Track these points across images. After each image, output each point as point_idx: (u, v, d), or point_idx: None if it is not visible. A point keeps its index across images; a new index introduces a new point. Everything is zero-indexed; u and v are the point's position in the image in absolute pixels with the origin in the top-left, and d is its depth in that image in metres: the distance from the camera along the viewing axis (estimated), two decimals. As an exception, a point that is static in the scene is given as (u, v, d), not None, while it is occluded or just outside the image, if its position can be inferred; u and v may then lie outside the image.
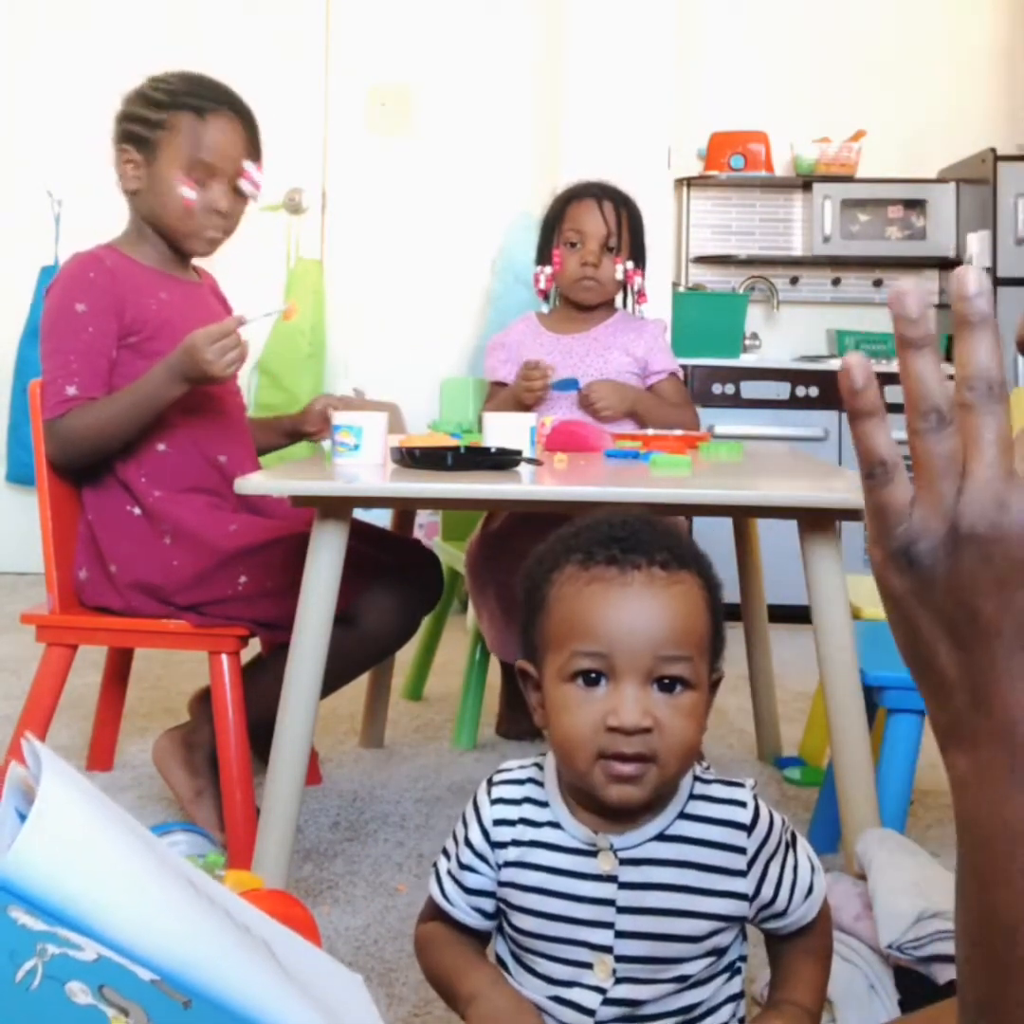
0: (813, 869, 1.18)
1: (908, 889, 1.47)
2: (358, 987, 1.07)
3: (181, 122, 2.11)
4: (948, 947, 1.39)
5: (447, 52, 4.61)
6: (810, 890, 1.17)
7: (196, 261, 2.29)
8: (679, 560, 1.11)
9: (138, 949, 0.80)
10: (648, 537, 1.11)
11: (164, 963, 0.81)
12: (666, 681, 1.08)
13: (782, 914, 1.17)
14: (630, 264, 2.71)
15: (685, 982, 1.14)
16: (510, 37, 4.58)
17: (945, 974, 1.39)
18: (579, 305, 2.77)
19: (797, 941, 1.20)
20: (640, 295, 2.77)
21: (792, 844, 1.18)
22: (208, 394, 2.14)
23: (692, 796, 1.16)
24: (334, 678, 1.98)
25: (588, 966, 1.14)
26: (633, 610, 1.08)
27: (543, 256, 2.77)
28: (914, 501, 0.60)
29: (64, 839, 0.81)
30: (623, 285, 2.76)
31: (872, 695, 1.86)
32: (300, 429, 2.39)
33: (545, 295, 2.84)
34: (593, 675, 1.09)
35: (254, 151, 2.18)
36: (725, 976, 1.18)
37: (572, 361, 2.75)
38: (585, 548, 1.12)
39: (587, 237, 2.68)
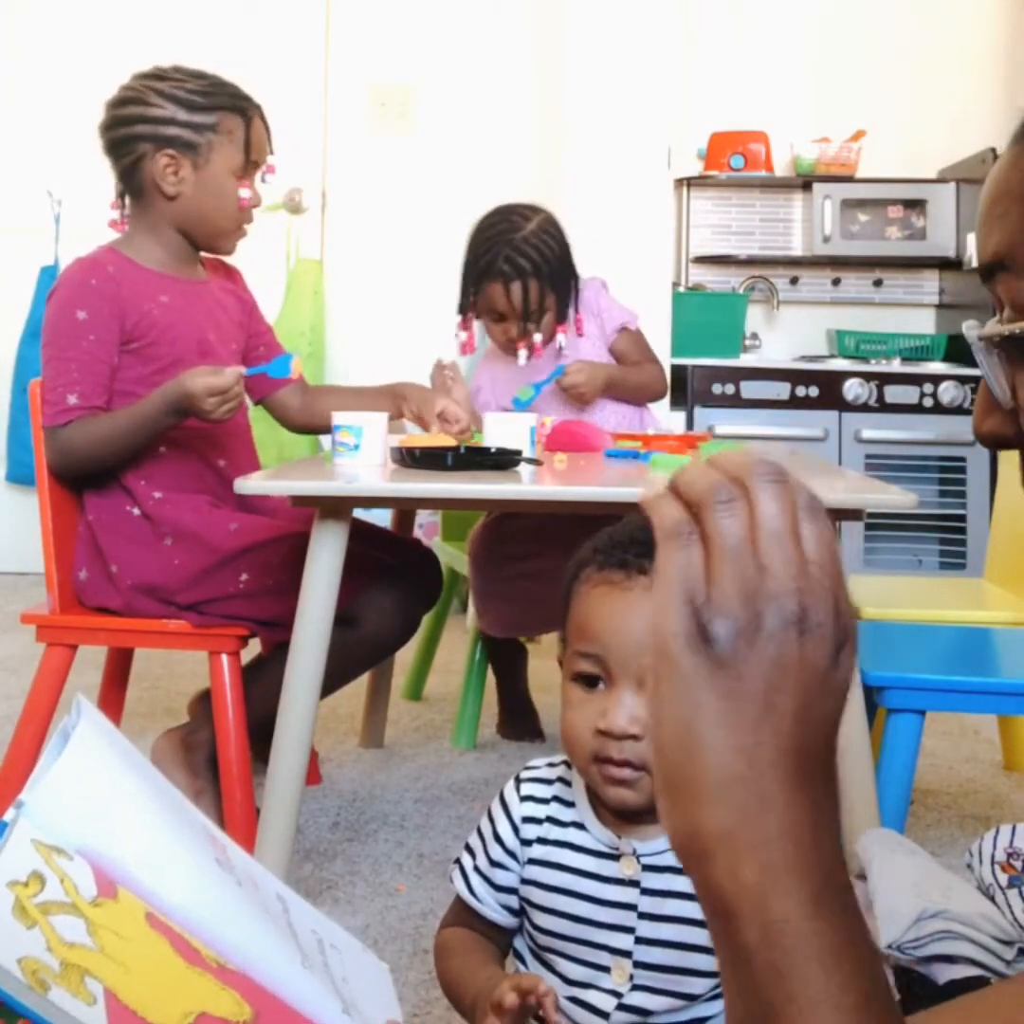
0: None
1: (908, 889, 1.47)
2: (383, 975, 1.08)
3: (232, 124, 2.12)
4: (948, 947, 1.39)
5: (447, 52, 4.60)
6: None
7: (228, 258, 2.30)
8: None
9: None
10: None
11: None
12: None
13: None
14: (543, 326, 2.61)
15: (700, 997, 1.14)
16: (510, 37, 4.58)
17: (945, 974, 1.39)
18: None
19: None
20: (578, 329, 2.66)
21: None
22: None
23: None
24: (334, 678, 1.98)
25: (606, 969, 1.13)
26: (629, 616, 1.08)
27: (465, 306, 2.69)
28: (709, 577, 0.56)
29: (83, 791, 0.81)
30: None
31: (872, 695, 1.86)
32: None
33: (472, 347, 2.77)
34: (591, 677, 1.09)
35: (272, 144, 2.23)
36: None
37: (553, 364, 2.65)
38: (607, 548, 1.12)
39: (504, 316, 2.62)
